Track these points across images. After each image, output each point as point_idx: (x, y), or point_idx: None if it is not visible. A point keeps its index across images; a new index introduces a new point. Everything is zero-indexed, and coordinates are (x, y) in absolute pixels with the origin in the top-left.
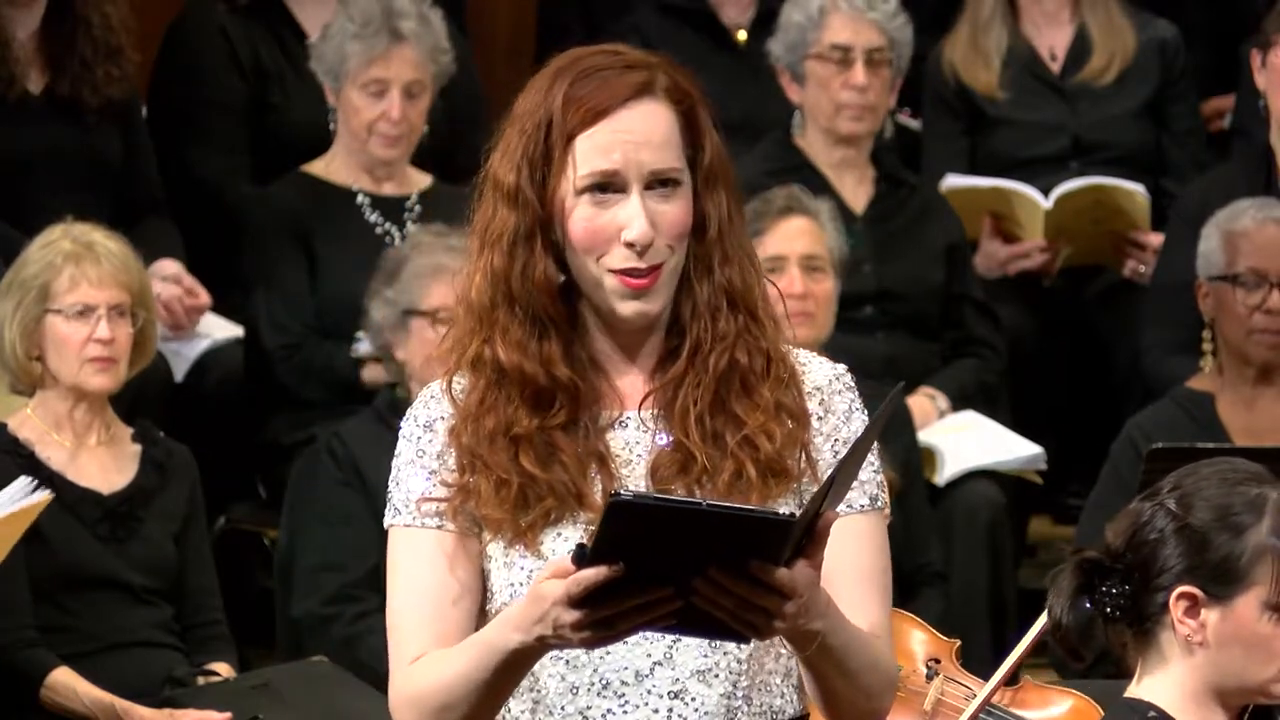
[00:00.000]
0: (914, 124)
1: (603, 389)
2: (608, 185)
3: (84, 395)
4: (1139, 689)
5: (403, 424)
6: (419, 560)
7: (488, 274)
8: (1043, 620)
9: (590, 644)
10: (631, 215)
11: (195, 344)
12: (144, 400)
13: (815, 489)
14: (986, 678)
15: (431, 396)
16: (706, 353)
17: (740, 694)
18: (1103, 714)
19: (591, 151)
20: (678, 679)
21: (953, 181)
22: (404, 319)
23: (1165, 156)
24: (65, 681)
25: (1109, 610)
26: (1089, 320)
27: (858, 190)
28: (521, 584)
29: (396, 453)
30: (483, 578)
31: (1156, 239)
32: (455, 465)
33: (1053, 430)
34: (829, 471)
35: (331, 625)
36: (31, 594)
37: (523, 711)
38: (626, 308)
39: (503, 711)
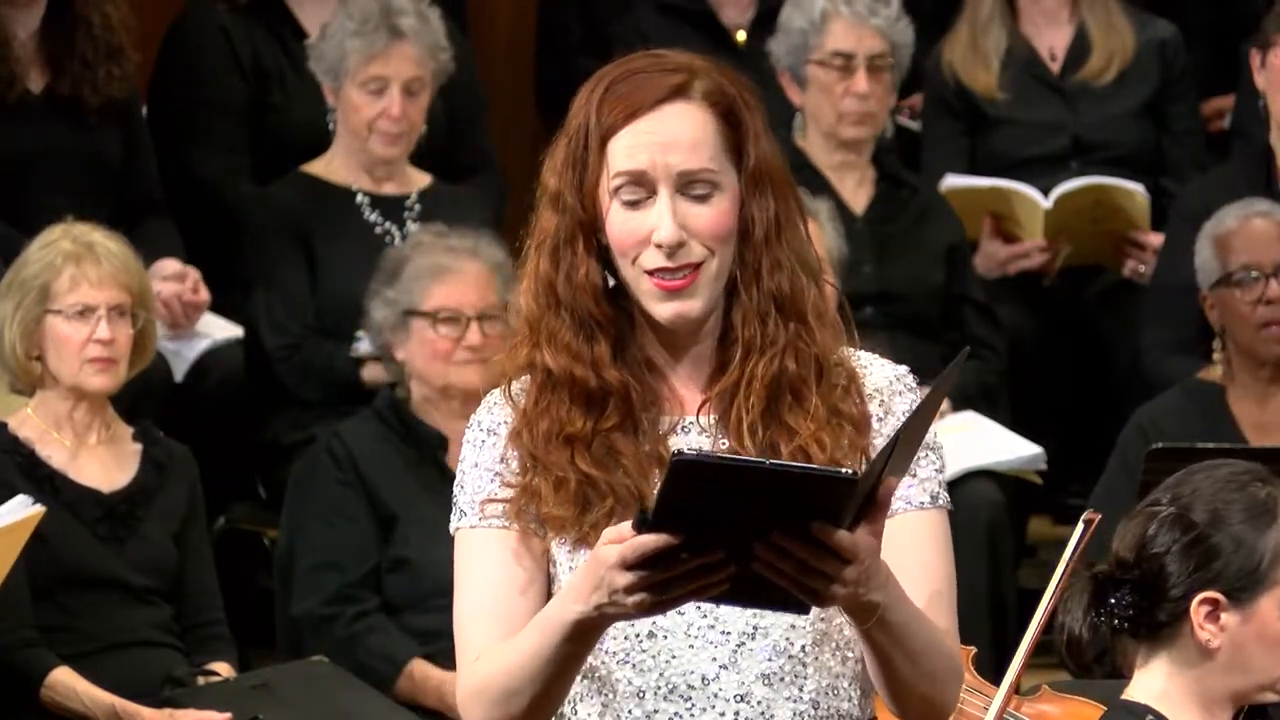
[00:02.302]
0: (914, 124)
1: (661, 391)
2: (639, 187)
3: (84, 395)
4: (1141, 693)
5: (467, 430)
6: (485, 559)
7: (535, 279)
8: (1035, 626)
9: (644, 610)
10: (659, 217)
11: (195, 344)
12: (144, 400)
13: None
14: (988, 678)
15: (495, 402)
16: (756, 359)
17: (806, 698)
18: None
19: (621, 153)
20: (743, 683)
21: (953, 181)
22: (404, 319)
23: (1165, 156)
24: (65, 681)
25: (1119, 621)
26: (1089, 320)
27: (858, 191)
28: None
29: (461, 458)
30: (548, 579)
31: (1156, 239)
32: (518, 468)
33: (1053, 430)
34: (891, 435)
35: (331, 625)
36: (31, 593)
37: (590, 715)
38: (663, 310)
39: (569, 715)
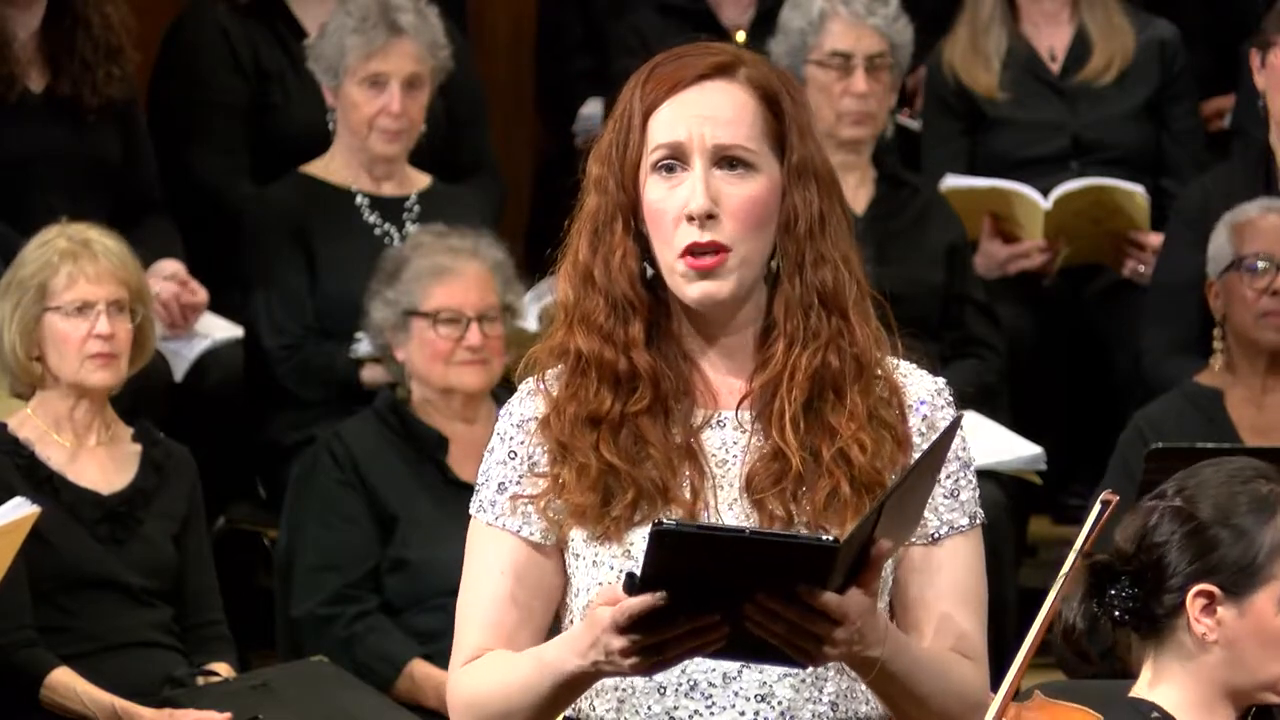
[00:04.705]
0: (914, 124)
1: (695, 383)
2: (675, 161)
3: (85, 393)
4: (1144, 690)
5: (499, 418)
6: (491, 564)
7: (574, 263)
8: (1035, 630)
9: (640, 671)
10: (692, 188)
11: (195, 344)
12: (144, 400)
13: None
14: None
15: (528, 392)
16: (799, 352)
17: (826, 699)
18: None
19: (661, 126)
20: (765, 682)
21: (953, 181)
22: (405, 320)
23: (1165, 156)
24: (65, 681)
25: (1118, 613)
26: (1089, 320)
27: (858, 191)
28: (610, 582)
29: (489, 449)
30: (560, 579)
31: (1156, 239)
32: (547, 463)
33: (1053, 430)
34: (876, 502)
35: (331, 625)
36: (31, 594)
37: (607, 710)
38: (693, 290)
39: (587, 710)
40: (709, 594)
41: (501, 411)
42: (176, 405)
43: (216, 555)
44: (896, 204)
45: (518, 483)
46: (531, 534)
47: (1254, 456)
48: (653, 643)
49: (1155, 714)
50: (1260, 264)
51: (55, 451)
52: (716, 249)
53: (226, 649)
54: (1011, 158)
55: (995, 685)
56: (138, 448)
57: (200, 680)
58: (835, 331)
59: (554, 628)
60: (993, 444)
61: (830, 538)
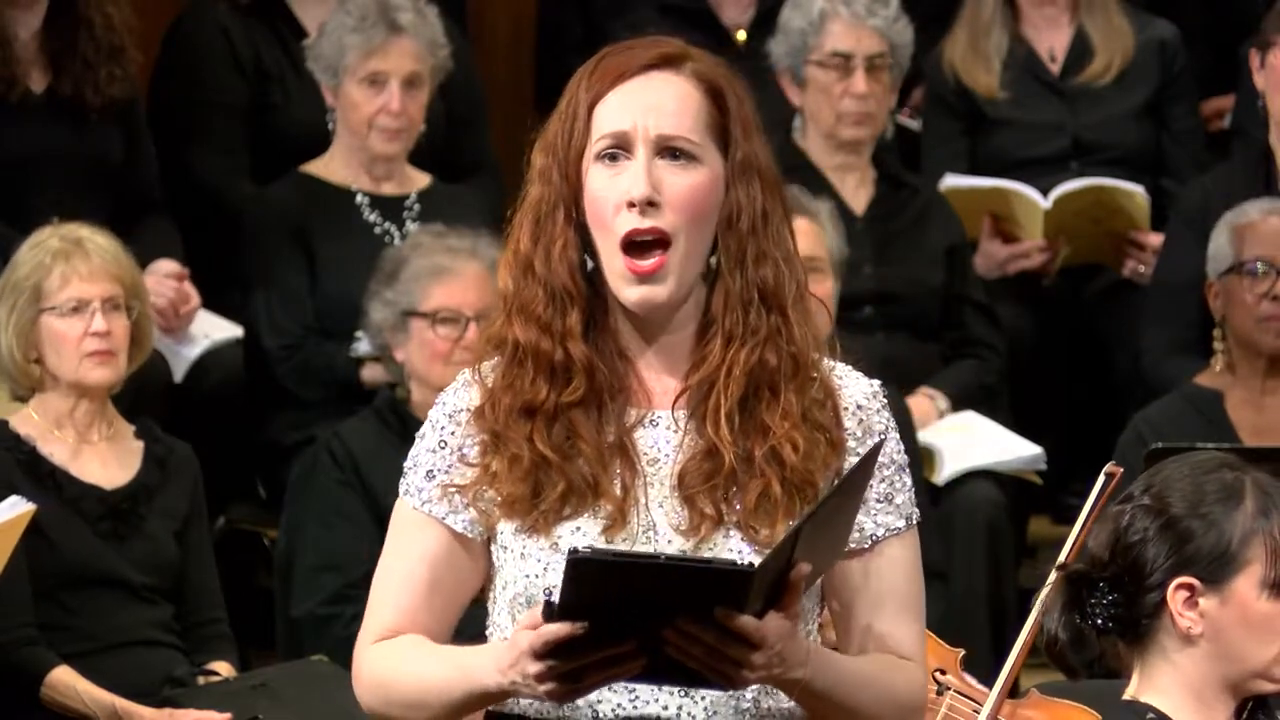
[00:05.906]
0: (914, 124)
1: (630, 382)
2: (618, 150)
3: (85, 391)
4: (1138, 691)
5: (434, 406)
6: (412, 549)
7: (516, 252)
8: (1028, 629)
9: (554, 697)
10: (634, 176)
11: (194, 344)
12: (143, 401)
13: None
14: (986, 680)
15: (463, 383)
16: (738, 348)
17: (749, 695)
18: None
19: (605, 115)
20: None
21: (953, 182)
22: (403, 320)
23: (1165, 156)
24: (65, 680)
25: (1101, 621)
26: (1089, 320)
27: (858, 191)
28: (537, 575)
29: (420, 434)
30: (477, 573)
31: (1156, 239)
32: (477, 455)
33: (1053, 430)
34: (794, 523)
35: (331, 625)
36: (33, 592)
37: (531, 702)
38: (631, 294)
39: (511, 703)
40: (628, 619)
41: (437, 399)
42: (176, 405)
43: (217, 555)
44: (896, 204)
45: (446, 472)
46: (456, 524)
47: (1254, 457)
48: (569, 669)
49: (1150, 715)
50: (1260, 267)
51: (57, 447)
52: (656, 236)
53: (227, 648)
54: (1011, 158)
55: (991, 685)
56: (140, 444)
57: (200, 680)
58: (774, 329)
59: (481, 617)
60: (993, 444)
61: (746, 563)
